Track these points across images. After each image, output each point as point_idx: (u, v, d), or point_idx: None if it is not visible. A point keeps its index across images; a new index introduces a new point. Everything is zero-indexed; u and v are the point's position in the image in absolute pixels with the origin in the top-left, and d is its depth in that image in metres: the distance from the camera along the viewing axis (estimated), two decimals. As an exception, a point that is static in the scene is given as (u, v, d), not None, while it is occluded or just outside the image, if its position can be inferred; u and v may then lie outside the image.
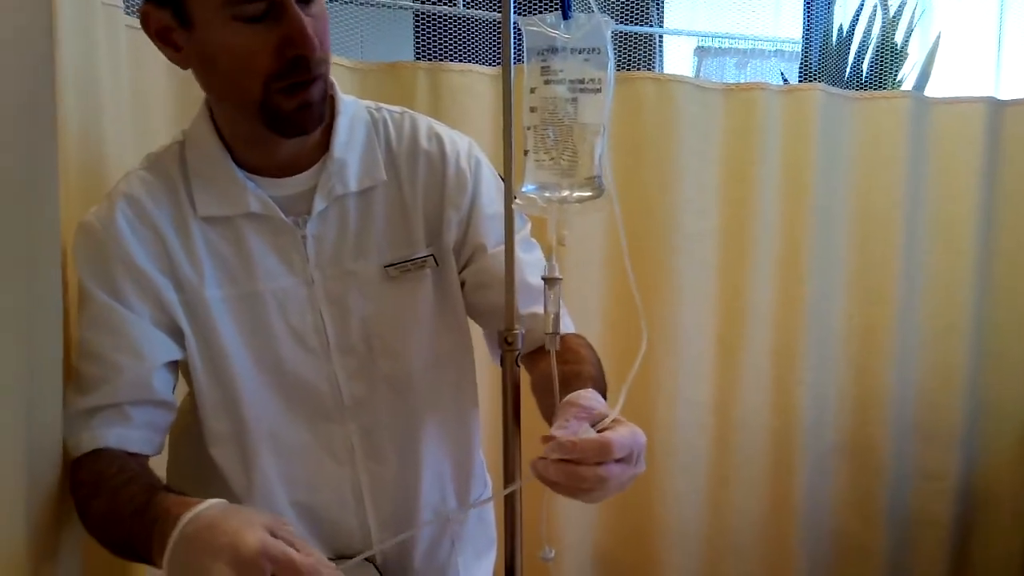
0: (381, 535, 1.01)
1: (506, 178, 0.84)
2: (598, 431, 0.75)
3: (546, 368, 0.83)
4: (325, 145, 0.95)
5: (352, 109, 0.98)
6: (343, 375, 0.98)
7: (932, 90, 2.47)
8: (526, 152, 0.83)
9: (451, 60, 1.76)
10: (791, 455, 2.04)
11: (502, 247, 0.89)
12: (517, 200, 0.84)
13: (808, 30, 2.92)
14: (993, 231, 2.15)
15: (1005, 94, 2.29)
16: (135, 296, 0.90)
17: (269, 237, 0.94)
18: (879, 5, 2.55)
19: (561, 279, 0.87)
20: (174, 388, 0.95)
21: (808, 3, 2.93)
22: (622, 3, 2.41)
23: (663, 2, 2.87)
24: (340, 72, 1.64)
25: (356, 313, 0.97)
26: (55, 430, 0.85)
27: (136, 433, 0.89)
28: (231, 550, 0.68)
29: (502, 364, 0.84)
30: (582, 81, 0.79)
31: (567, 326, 1.00)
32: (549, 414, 0.87)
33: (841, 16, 2.78)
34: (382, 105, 1.03)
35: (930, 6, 2.71)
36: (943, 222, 2.12)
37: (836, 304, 2.07)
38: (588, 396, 0.81)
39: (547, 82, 0.79)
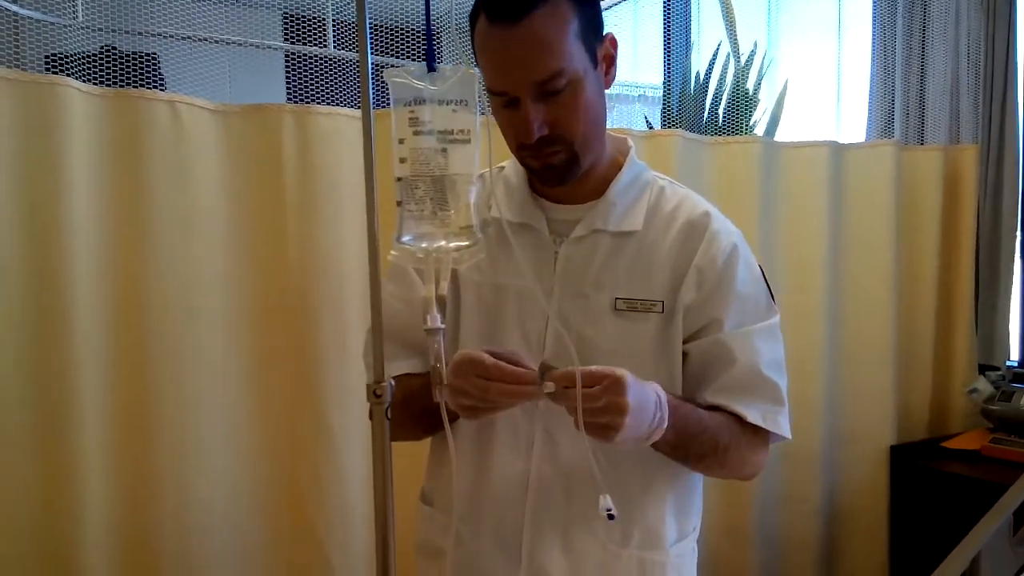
0: (532, 534, 1.09)
1: (369, 225, 0.82)
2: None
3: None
4: (604, 189, 1.10)
5: (636, 171, 1.14)
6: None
7: (782, 134, 2.64)
8: (399, 203, 0.83)
9: (324, 103, 1.73)
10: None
11: (742, 330, 1.08)
12: (393, 252, 0.83)
13: (668, 77, 3.08)
14: (839, 267, 2.30)
15: (845, 138, 2.48)
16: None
17: (531, 246, 1.11)
18: (731, 54, 2.71)
19: (442, 328, 0.86)
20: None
21: (667, 51, 3.09)
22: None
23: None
24: (202, 115, 1.58)
25: (577, 331, 1.07)
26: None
27: (422, 364, 1.12)
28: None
29: (371, 417, 0.82)
30: (451, 132, 0.79)
31: (770, 421, 1.10)
32: None
33: (698, 64, 2.94)
34: (674, 181, 1.18)
35: (777, 55, 2.91)
36: (795, 259, 2.25)
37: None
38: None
39: (416, 133, 0.79)
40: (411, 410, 1.04)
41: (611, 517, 0.92)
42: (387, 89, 0.81)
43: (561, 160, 1.04)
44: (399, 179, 0.81)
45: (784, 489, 2.29)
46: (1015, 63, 2.40)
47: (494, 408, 0.95)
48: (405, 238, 0.80)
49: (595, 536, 1.10)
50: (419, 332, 1.07)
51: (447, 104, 0.79)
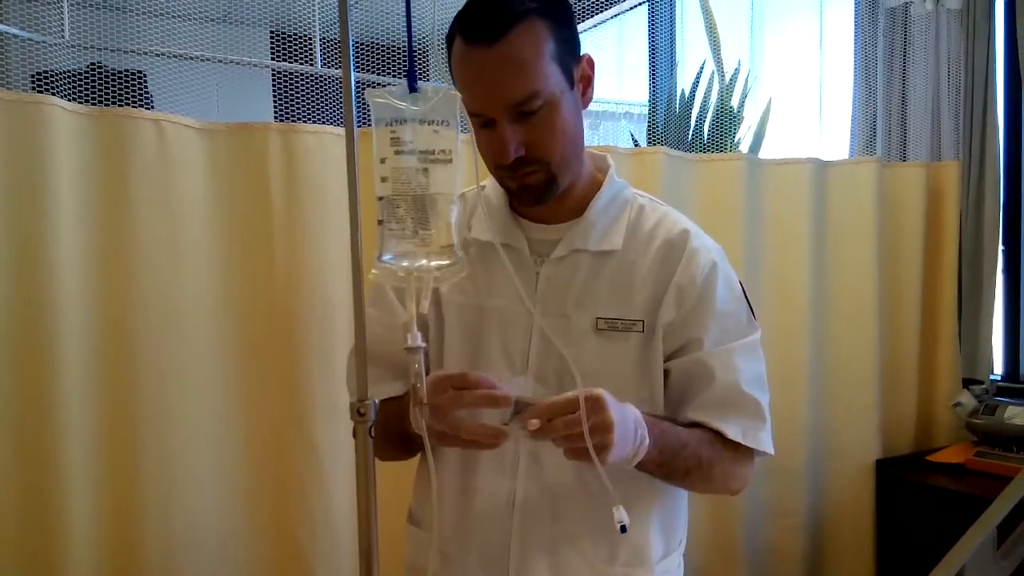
0: (518, 553, 1.09)
1: (352, 245, 0.83)
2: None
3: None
4: (584, 208, 1.11)
5: (616, 189, 1.15)
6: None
7: (766, 151, 2.67)
8: (380, 221, 0.83)
9: (312, 120, 1.74)
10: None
11: (722, 348, 1.09)
12: (374, 271, 0.83)
13: (653, 94, 3.10)
14: (823, 282, 2.32)
15: (828, 155, 2.50)
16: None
17: (513, 266, 1.07)
18: (716, 72, 2.74)
19: (423, 346, 0.86)
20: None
21: (652, 69, 3.12)
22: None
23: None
24: (188, 133, 1.58)
25: (559, 352, 1.06)
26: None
27: (403, 387, 1.12)
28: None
29: (355, 435, 0.82)
30: (432, 152, 0.80)
31: (750, 438, 1.10)
32: None
33: (683, 81, 2.96)
34: (654, 198, 1.18)
35: (760, 73, 2.93)
36: (779, 275, 2.26)
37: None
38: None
39: (397, 152, 0.79)
40: (391, 436, 1.05)
41: (623, 529, 0.93)
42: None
43: (538, 180, 1.04)
44: (380, 198, 0.81)
45: (770, 504, 2.29)
46: (995, 80, 2.43)
47: (457, 438, 0.93)
48: (386, 257, 0.81)
49: (582, 554, 1.10)
50: (400, 355, 1.06)
51: (429, 124, 0.80)
